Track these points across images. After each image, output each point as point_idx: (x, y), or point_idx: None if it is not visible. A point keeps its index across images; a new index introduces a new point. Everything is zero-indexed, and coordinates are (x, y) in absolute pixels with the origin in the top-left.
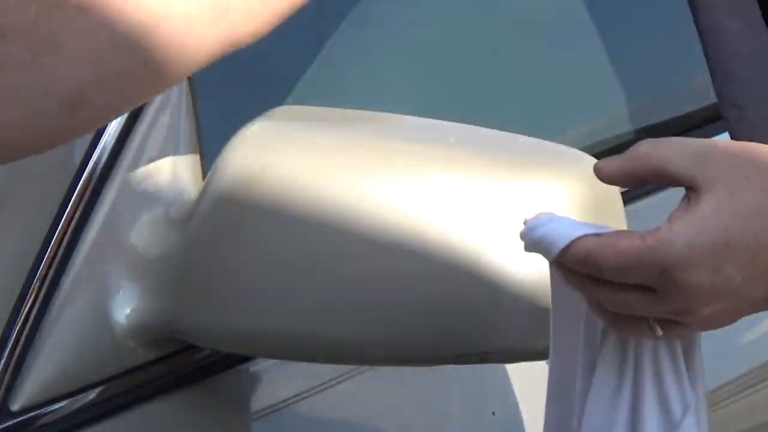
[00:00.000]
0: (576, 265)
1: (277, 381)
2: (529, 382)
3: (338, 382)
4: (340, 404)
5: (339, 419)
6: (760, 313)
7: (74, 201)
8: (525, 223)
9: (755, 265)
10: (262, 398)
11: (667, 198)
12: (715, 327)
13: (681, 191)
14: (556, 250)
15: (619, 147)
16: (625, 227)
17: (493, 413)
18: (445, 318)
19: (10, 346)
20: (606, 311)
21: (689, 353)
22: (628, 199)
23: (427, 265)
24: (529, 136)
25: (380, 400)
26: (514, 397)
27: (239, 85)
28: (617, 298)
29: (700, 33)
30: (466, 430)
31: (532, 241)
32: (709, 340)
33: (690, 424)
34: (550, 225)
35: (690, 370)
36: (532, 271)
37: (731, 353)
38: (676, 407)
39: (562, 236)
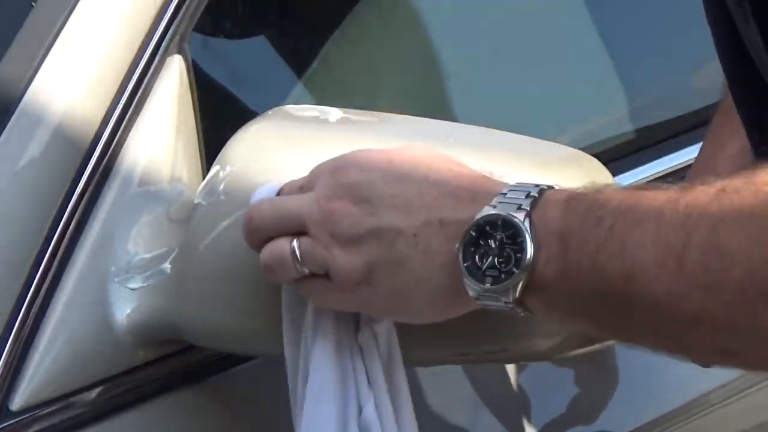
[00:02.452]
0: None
1: (277, 381)
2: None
3: None
4: None
5: None
6: None
7: (74, 201)
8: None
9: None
10: (261, 398)
11: None
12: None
13: None
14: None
15: (619, 147)
16: None
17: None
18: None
19: (10, 346)
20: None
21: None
22: None
23: None
24: (529, 136)
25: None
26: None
27: (239, 85)
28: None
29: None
30: (457, 424)
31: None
32: None
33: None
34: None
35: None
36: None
37: None
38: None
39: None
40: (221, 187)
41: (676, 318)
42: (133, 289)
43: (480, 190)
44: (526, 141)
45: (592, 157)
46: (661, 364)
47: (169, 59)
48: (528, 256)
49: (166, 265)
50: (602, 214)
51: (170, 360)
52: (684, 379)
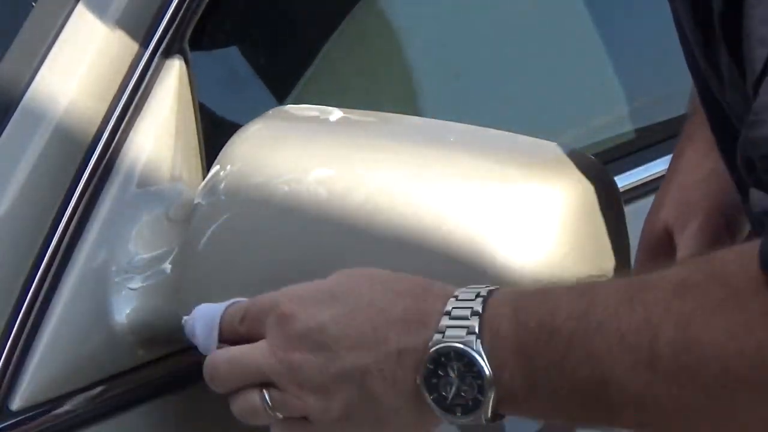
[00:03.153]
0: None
1: None
2: None
3: None
4: None
5: None
6: None
7: (75, 201)
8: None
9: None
10: None
11: None
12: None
13: None
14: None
15: (619, 147)
16: (626, 225)
17: None
18: None
19: (10, 346)
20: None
21: None
22: (628, 199)
23: (426, 264)
24: (529, 136)
25: None
26: None
27: (239, 85)
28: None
29: None
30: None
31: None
32: None
33: None
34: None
35: None
36: (533, 271)
37: None
38: None
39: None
40: (221, 187)
41: (657, 414)
42: (133, 289)
43: (427, 310)
44: (526, 141)
45: (592, 157)
46: None
47: (169, 59)
48: (487, 381)
49: (166, 265)
50: (555, 326)
51: (170, 360)
52: None
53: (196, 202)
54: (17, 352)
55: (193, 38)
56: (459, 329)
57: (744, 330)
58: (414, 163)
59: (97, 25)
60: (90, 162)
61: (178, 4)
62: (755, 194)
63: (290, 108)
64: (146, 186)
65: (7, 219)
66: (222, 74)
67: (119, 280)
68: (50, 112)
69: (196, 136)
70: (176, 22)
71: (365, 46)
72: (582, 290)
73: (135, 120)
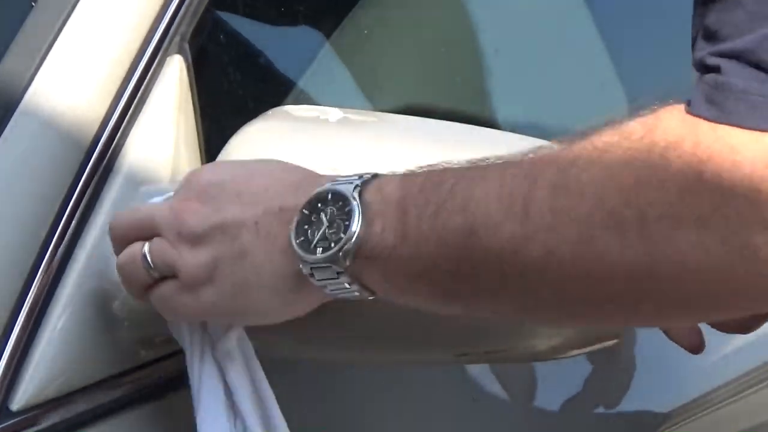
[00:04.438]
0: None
1: (277, 381)
2: (510, 369)
3: (339, 382)
4: (338, 403)
5: (338, 418)
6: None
7: (75, 201)
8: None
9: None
10: None
11: None
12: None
13: None
14: None
15: None
16: None
17: (474, 399)
18: (444, 318)
19: (10, 346)
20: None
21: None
22: None
23: None
24: (529, 136)
25: (377, 396)
26: (496, 384)
27: (239, 85)
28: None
29: None
30: (447, 417)
31: None
32: (709, 341)
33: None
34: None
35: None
36: None
37: (731, 353)
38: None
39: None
40: None
41: (519, 267)
42: None
43: (323, 179)
44: (526, 141)
45: None
46: (660, 365)
47: (169, 59)
48: (355, 222)
49: None
50: (443, 178)
51: (170, 360)
52: (684, 379)
53: None
54: (17, 352)
55: (193, 38)
56: (344, 184)
57: (624, 168)
58: (414, 162)
59: (97, 25)
60: (90, 162)
61: (178, 4)
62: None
63: (290, 108)
64: (146, 186)
65: (7, 219)
66: (222, 74)
67: (119, 279)
68: (50, 112)
69: (196, 136)
70: (176, 22)
71: (365, 46)
72: (475, 161)
73: (135, 120)
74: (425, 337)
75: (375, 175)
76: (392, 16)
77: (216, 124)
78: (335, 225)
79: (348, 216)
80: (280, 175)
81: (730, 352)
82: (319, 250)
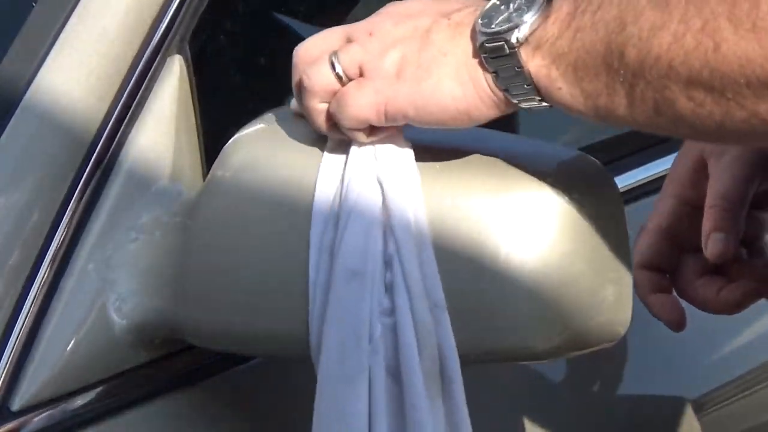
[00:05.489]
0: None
1: (277, 381)
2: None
3: None
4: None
5: None
6: (761, 314)
7: (74, 201)
8: None
9: None
10: (261, 398)
11: None
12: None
13: None
14: None
15: (619, 147)
16: (625, 226)
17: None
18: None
19: (10, 346)
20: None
21: None
22: (628, 199)
23: None
24: (529, 136)
25: None
26: (496, 384)
27: (239, 85)
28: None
29: None
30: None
31: None
32: (710, 341)
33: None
34: None
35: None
36: (533, 269)
37: (731, 353)
38: None
39: None
40: (221, 187)
41: (679, 62)
42: (133, 289)
43: None
44: (526, 142)
45: (593, 158)
46: (661, 365)
47: (169, 59)
48: (535, 8)
49: (166, 265)
50: None
51: (170, 360)
52: (684, 379)
53: (196, 202)
54: (17, 352)
55: (193, 38)
56: None
57: None
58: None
59: (97, 24)
60: (90, 162)
61: (178, 4)
62: None
63: (290, 108)
64: (146, 186)
65: (7, 218)
66: (222, 74)
67: (119, 279)
68: (50, 112)
69: (196, 136)
70: (176, 22)
71: None
72: None
73: (135, 120)
74: None
75: None
76: None
77: (216, 124)
78: (518, 11)
79: (530, 4)
80: None
81: (730, 352)
82: (499, 26)
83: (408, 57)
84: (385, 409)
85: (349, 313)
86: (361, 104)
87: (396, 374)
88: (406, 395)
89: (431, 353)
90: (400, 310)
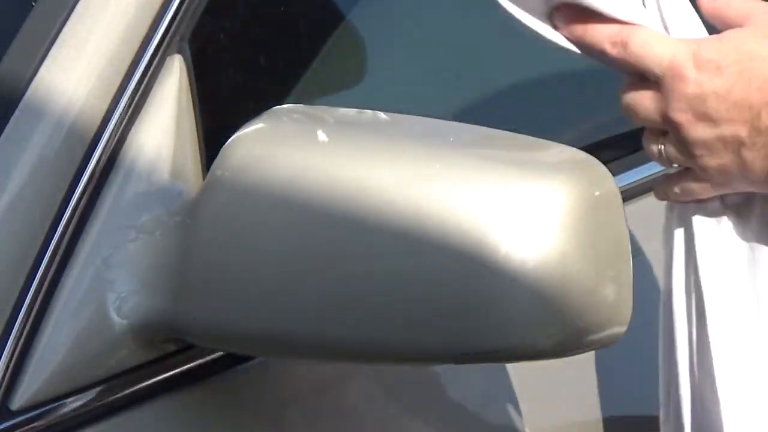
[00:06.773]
0: None
1: (277, 381)
2: (510, 369)
3: (339, 382)
4: (339, 403)
5: (338, 418)
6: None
7: (74, 201)
8: None
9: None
10: (261, 398)
11: None
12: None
13: None
14: None
15: (619, 147)
16: (625, 226)
17: (474, 399)
18: (445, 318)
19: (10, 345)
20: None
21: None
22: (627, 197)
23: (427, 264)
24: (529, 135)
25: (377, 396)
26: (496, 384)
27: (239, 85)
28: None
29: None
30: (447, 416)
31: None
32: None
33: None
34: None
35: None
36: (533, 267)
37: None
38: None
39: None
40: (221, 186)
41: None
42: (133, 289)
43: None
44: (527, 140)
45: (594, 158)
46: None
47: (169, 59)
48: None
49: (166, 265)
50: None
51: (170, 360)
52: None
53: (196, 201)
54: (17, 352)
55: (193, 38)
56: None
57: None
58: (415, 162)
59: (97, 24)
60: (90, 162)
61: (178, 4)
62: None
63: (290, 108)
64: (146, 185)
65: (7, 218)
66: (222, 74)
67: (119, 280)
68: (50, 111)
69: (196, 136)
70: (176, 22)
71: (365, 46)
72: None
73: (135, 120)
74: (426, 336)
75: None
76: (392, 16)
77: (216, 123)
78: None
79: None
80: (758, 85)
81: None
82: None
83: (724, 168)
84: None
85: None
86: (702, 192)
87: None
88: None
89: None
90: None
